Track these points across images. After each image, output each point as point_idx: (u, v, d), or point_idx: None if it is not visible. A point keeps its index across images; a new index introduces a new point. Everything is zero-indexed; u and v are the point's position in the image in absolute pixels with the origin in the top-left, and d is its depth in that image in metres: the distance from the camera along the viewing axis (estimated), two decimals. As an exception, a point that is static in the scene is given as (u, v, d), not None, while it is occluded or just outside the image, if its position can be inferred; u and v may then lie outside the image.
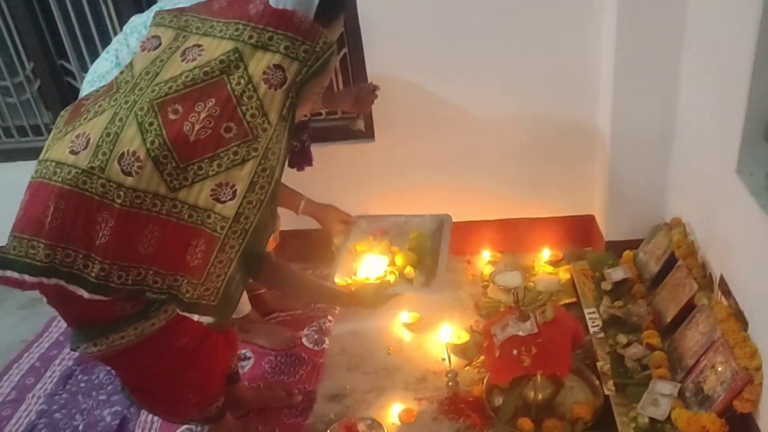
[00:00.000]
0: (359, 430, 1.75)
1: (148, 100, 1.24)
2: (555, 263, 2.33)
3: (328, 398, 1.90)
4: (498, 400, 1.73)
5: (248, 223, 1.24)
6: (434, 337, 2.05)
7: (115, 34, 2.02)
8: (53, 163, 1.25)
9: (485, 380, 1.79)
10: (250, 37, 1.27)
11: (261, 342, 2.12)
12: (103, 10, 2.26)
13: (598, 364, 1.71)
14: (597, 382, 1.70)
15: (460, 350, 1.92)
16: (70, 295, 1.25)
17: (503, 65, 2.12)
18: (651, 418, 1.52)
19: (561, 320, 1.70)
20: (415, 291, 1.85)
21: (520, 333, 1.65)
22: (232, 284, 1.27)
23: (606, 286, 2.01)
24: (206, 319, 1.27)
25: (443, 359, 1.93)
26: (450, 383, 1.84)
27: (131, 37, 1.74)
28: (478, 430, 1.72)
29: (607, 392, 1.64)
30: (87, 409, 1.97)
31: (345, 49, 2.22)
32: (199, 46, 1.29)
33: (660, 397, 1.55)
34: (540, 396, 1.67)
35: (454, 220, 2.05)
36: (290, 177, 1.84)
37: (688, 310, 1.69)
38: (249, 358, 2.08)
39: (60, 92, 2.44)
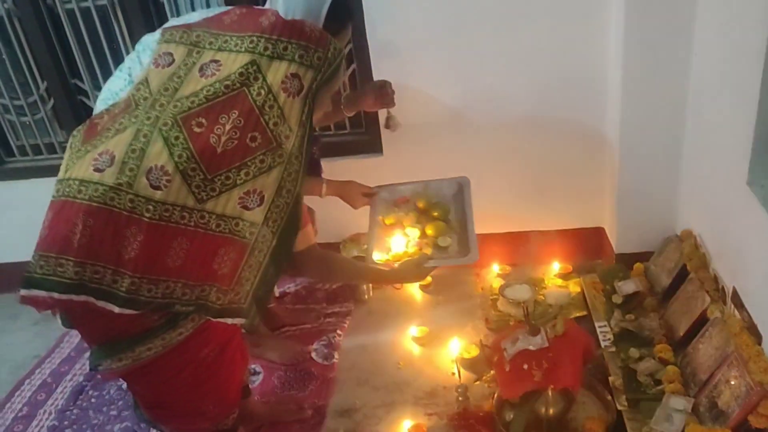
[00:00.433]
0: (369, 446, 1.74)
1: (171, 115, 1.26)
2: (565, 276, 2.32)
3: (339, 413, 1.90)
4: (509, 416, 1.70)
5: (276, 226, 1.31)
6: (444, 351, 2.04)
7: (128, 53, 2.05)
8: (77, 182, 1.26)
9: (495, 395, 1.78)
10: (266, 48, 1.31)
11: (271, 356, 2.12)
12: (115, 30, 2.31)
13: (610, 378, 1.70)
14: (609, 397, 1.68)
15: (470, 365, 1.91)
16: (97, 311, 1.25)
17: (511, 78, 2.14)
18: (665, 434, 1.50)
19: (572, 334, 1.69)
20: (454, 262, 1.89)
21: (531, 347, 1.64)
22: (262, 285, 1.34)
23: (617, 299, 1.99)
24: (238, 320, 1.33)
25: (453, 374, 1.92)
26: (460, 398, 1.83)
27: (144, 55, 1.76)
28: (488, 446, 1.71)
29: (619, 407, 1.62)
30: (98, 424, 1.98)
31: (354, 65, 2.24)
32: (216, 61, 1.32)
33: (673, 412, 1.53)
34: (551, 411, 1.65)
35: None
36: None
37: (700, 323, 1.67)
38: (258, 373, 2.08)
39: (73, 111, 2.49)
